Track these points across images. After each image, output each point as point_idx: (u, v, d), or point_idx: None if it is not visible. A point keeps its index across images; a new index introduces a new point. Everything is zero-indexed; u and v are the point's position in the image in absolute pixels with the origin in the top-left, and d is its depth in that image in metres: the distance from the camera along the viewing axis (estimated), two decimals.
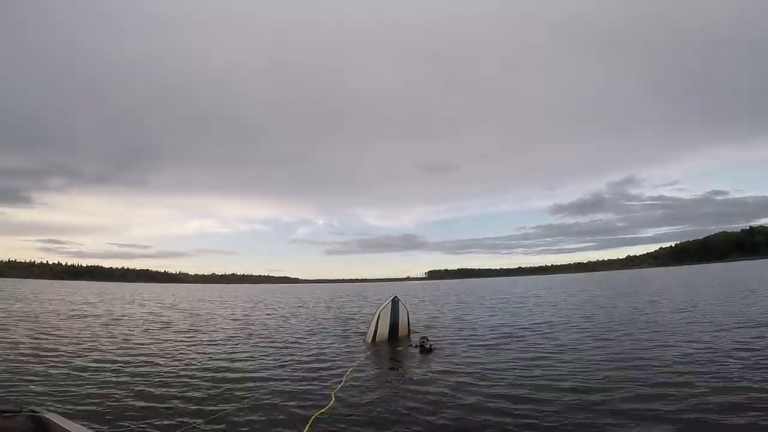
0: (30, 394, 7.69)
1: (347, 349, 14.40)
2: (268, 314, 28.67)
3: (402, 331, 16.57)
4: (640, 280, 56.83)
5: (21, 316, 21.86)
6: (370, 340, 15.53)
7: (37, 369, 9.92)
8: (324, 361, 12.15)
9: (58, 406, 6.86)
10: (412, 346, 14.25)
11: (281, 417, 7.02)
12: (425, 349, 13.29)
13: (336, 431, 6.38)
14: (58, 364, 10.50)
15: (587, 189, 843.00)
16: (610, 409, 6.72)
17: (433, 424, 6.76)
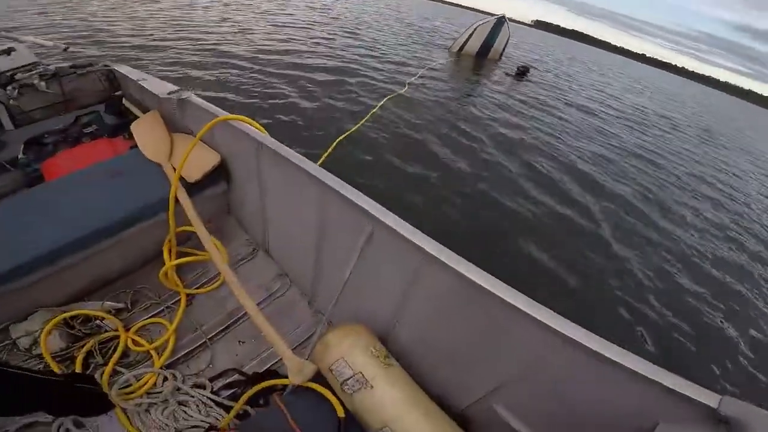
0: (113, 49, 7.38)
1: (428, 52, 13.05)
2: (361, 12, 25.99)
3: (494, 53, 14.38)
4: None
5: None
6: (456, 50, 13.77)
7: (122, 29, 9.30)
8: (404, 57, 11.33)
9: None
10: (506, 73, 12.69)
11: (363, 93, 7.02)
12: (519, 74, 12.09)
13: (404, 110, 6.47)
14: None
15: None
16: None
17: (486, 131, 6.53)
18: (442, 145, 5.42)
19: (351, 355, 1.16)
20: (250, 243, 2.04)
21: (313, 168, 1.36)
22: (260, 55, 8.18)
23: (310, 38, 11.17)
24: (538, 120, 8.12)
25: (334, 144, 4.33)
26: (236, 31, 10.61)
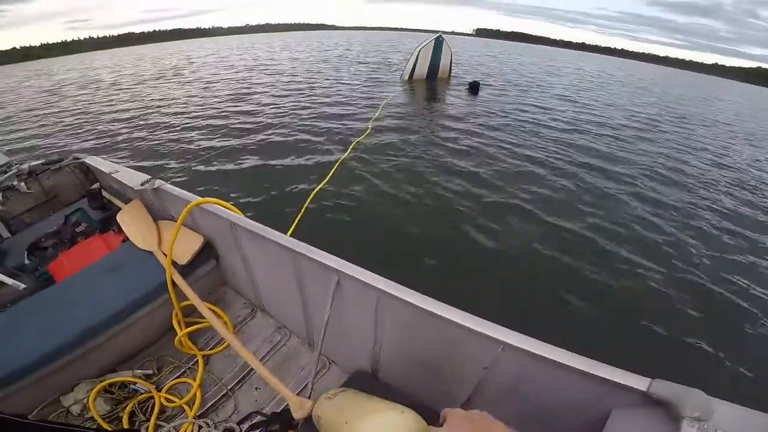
0: (78, 146, 8.04)
1: (380, 87, 13.58)
2: (304, 56, 26.78)
3: (442, 73, 15.26)
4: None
5: (67, 83, 20.68)
6: (407, 77, 14.49)
7: (87, 127, 9.88)
8: (359, 98, 11.68)
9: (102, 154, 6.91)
10: (461, 87, 13.64)
11: (327, 143, 7.23)
12: (473, 89, 12.78)
13: (373, 151, 6.73)
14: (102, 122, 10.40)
15: None
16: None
17: (457, 153, 6.92)
18: (416, 181, 5.59)
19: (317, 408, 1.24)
20: (247, 305, 2.33)
21: (281, 238, 1.64)
22: (216, 131, 8.38)
23: (256, 102, 11.27)
24: (489, 129, 8.58)
25: (303, 208, 4.48)
26: (181, 107, 10.93)
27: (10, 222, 3.01)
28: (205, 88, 14.40)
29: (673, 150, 8.88)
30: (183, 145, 7.40)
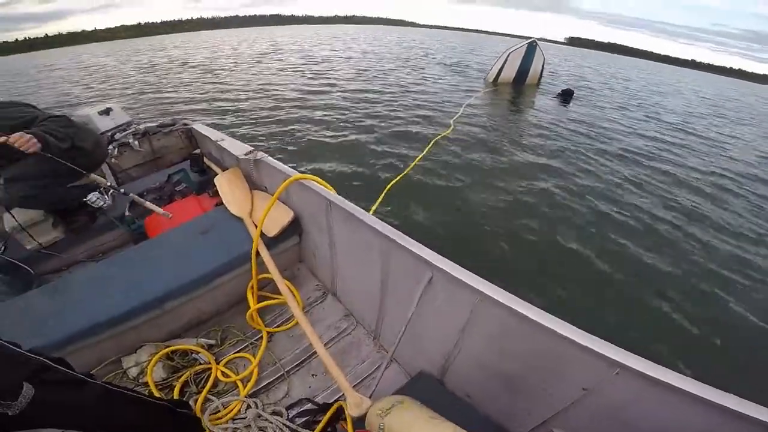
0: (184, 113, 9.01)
1: (466, 85, 13.26)
2: (391, 52, 27.09)
3: (532, 79, 14.36)
4: None
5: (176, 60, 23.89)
6: (491, 80, 13.93)
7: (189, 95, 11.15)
8: (445, 94, 11.56)
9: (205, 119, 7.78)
10: (551, 94, 12.84)
11: (409, 136, 7.30)
12: (566, 98, 12.02)
13: (452, 150, 6.61)
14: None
15: None
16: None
17: (544, 159, 6.59)
18: (498, 182, 5.41)
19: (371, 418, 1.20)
20: (320, 288, 2.28)
21: (378, 223, 1.54)
22: (304, 111, 8.97)
23: (340, 90, 11.61)
24: (580, 139, 7.87)
25: (385, 191, 4.60)
26: (272, 90, 11.63)
27: (119, 174, 3.30)
28: (290, 71, 15.31)
29: None
30: (269, 125, 7.87)
